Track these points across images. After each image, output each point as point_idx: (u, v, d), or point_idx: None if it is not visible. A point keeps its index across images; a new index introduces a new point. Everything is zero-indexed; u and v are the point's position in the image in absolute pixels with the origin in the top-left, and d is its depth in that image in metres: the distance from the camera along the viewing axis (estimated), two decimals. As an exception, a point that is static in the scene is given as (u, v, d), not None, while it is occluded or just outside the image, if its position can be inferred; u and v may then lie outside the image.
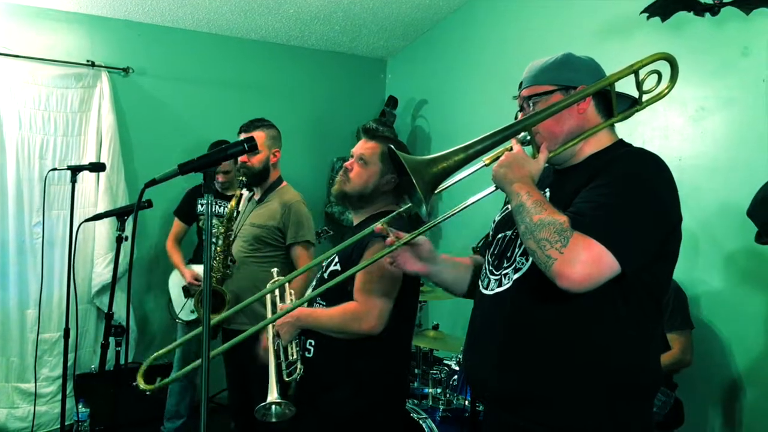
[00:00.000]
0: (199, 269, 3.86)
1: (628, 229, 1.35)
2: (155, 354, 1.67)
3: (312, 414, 2.09)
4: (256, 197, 3.21)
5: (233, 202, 3.11)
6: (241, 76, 4.95)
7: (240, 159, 3.05)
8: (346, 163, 2.21)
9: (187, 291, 3.86)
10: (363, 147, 2.20)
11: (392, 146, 1.52)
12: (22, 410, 4.07)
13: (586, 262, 1.30)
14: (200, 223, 3.98)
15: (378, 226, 1.64)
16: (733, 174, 2.91)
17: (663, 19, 2.93)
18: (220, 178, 3.95)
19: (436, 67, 4.93)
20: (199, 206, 4.03)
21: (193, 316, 3.86)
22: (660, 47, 3.21)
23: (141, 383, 1.58)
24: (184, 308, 3.89)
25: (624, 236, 1.34)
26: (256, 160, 3.10)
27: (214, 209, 1.41)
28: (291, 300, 2.22)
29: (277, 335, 2.11)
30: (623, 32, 3.27)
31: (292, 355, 2.08)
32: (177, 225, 4.13)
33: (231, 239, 3.11)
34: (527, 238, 1.38)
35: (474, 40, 4.53)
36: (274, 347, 2.09)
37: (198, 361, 1.49)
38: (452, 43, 4.74)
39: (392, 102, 5.12)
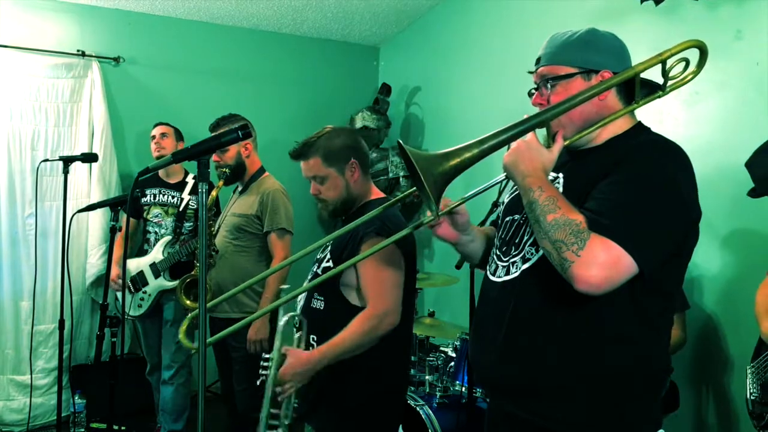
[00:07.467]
0: (134, 263, 3.79)
1: (648, 230, 1.31)
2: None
3: (316, 406, 2.09)
4: (240, 189, 3.28)
5: (214, 193, 3.14)
6: (233, 65, 4.92)
7: (213, 158, 3.03)
8: (311, 192, 2.19)
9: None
10: (307, 169, 2.18)
11: (400, 141, 1.47)
12: (18, 402, 4.07)
13: (603, 265, 1.26)
14: (145, 215, 3.87)
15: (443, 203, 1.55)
16: (726, 157, 2.91)
17: (657, 3, 2.92)
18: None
19: (430, 53, 4.90)
20: (143, 197, 3.88)
21: (141, 311, 3.74)
22: (654, 31, 3.18)
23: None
24: (130, 305, 3.77)
25: (643, 237, 1.30)
26: (227, 157, 3.15)
27: (204, 199, 1.40)
28: (301, 337, 2.07)
29: (281, 384, 1.94)
30: (618, 16, 3.25)
31: (289, 405, 1.99)
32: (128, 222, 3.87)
33: (213, 230, 3.15)
34: (542, 237, 1.34)
35: (467, 25, 4.51)
36: (270, 395, 1.96)
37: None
38: (445, 29, 4.71)
39: (385, 89, 5.09)
